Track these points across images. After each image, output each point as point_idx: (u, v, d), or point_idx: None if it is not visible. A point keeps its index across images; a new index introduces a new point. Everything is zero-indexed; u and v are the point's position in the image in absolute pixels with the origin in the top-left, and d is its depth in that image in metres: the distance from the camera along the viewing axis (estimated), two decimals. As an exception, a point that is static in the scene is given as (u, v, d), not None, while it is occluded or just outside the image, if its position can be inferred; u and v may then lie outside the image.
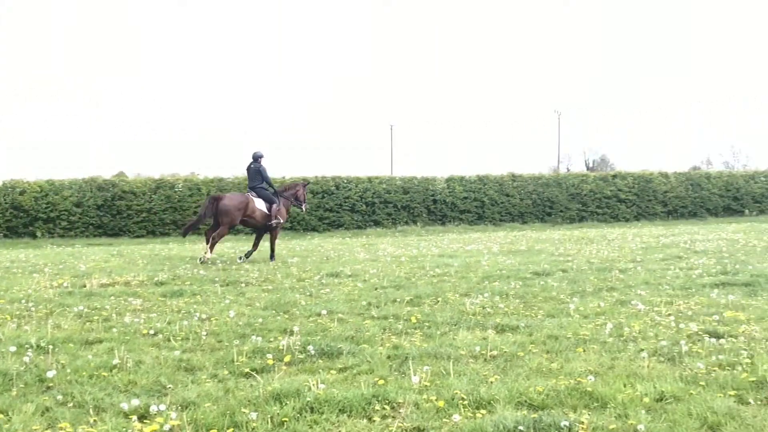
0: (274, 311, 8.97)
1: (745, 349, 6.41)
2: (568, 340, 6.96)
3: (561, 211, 34.31)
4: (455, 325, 7.82)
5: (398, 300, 9.56)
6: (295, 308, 9.09)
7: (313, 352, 6.55)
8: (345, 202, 31.74)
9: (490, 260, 14.54)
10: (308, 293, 10.45)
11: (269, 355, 6.47)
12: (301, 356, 6.49)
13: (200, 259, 15.81)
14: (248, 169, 16.92)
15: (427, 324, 7.91)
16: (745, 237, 19.68)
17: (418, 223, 32.06)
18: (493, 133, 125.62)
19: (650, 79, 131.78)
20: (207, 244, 15.83)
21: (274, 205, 16.59)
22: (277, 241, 18.19)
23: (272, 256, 16.23)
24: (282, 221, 16.87)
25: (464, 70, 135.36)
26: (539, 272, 12.23)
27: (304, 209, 17.94)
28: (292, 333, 7.39)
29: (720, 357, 6.14)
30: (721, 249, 15.83)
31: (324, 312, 8.66)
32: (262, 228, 16.83)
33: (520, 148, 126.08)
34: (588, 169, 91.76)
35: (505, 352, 6.54)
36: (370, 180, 32.37)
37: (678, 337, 6.99)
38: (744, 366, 5.87)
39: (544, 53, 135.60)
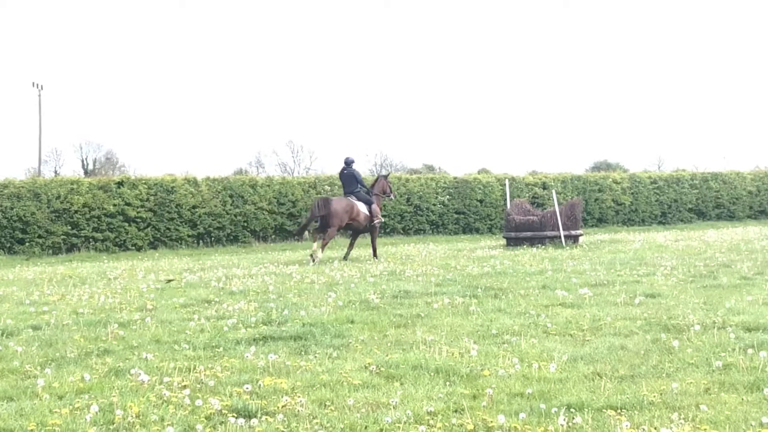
0: None
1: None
2: (29, 436, 6.91)
3: (40, 237, 34.46)
4: None
5: None
6: None
7: None
8: None
9: None
10: None
11: None
12: None
13: (312, 258, 24.12)
14: (342, 174, 25.87)
15: None
16: (301, 270, 21.09)
17: None
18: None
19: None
20: (316, 244, 24.75)
21: (373, 206, 25.51)
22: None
23: (375, 253, 25.96)
24: (381, 220, 26.52)
25: None
26: (-4, 332, 12.05)
27: (393, 198, 27.74)
28: None
29: (248, 445, 6.48)
30: (267, 288, 16.85)
31: None
32: (362, 230, 25.83)
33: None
34: (86, 172, 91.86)
35: None
36: None
37: (193, 419, 7.25)
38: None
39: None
